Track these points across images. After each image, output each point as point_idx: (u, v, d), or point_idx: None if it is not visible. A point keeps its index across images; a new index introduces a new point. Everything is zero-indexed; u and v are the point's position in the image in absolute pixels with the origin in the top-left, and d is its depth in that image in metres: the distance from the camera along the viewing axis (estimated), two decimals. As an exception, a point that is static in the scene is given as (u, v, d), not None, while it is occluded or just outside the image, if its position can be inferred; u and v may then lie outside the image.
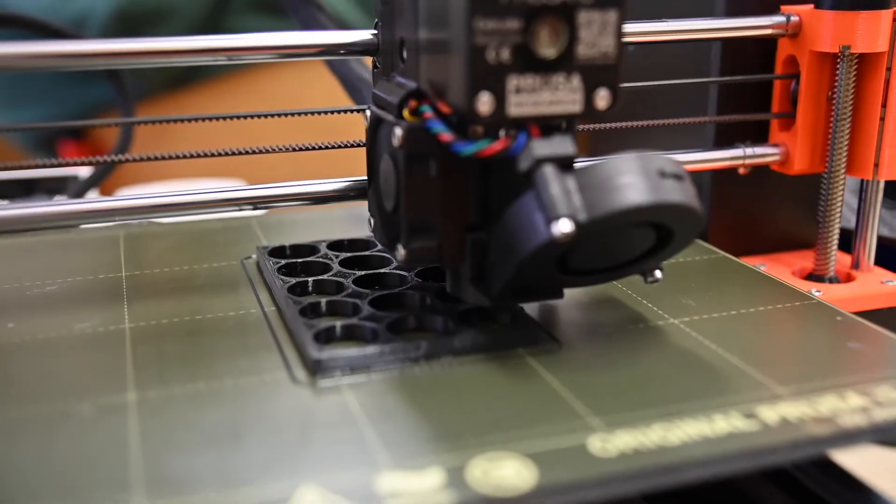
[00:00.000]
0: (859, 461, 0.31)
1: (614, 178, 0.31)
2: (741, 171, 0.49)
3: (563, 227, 0.30)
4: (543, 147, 0.31)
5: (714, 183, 0.50)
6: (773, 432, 0.28)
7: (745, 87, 0.49)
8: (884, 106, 0.46)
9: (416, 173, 0.34)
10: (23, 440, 0.28)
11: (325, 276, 0.40)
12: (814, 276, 0.49)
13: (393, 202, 0.35)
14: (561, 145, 0.32)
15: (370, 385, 0.31)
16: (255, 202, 0.41)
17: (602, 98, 0.32)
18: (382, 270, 0.40)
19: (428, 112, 0.33)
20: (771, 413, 0.29)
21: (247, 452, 0.27)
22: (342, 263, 0.41)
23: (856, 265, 0.49)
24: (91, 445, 0.28)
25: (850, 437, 0.28)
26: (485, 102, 0.30)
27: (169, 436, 0.28)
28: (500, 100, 0.31)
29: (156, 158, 0.39)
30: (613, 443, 0.27)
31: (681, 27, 0.45)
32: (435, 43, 0.32)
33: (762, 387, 0.31)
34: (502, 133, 0.32)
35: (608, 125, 0.47)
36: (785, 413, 0.29)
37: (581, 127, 0.47)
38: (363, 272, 0.40)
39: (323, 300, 0.37)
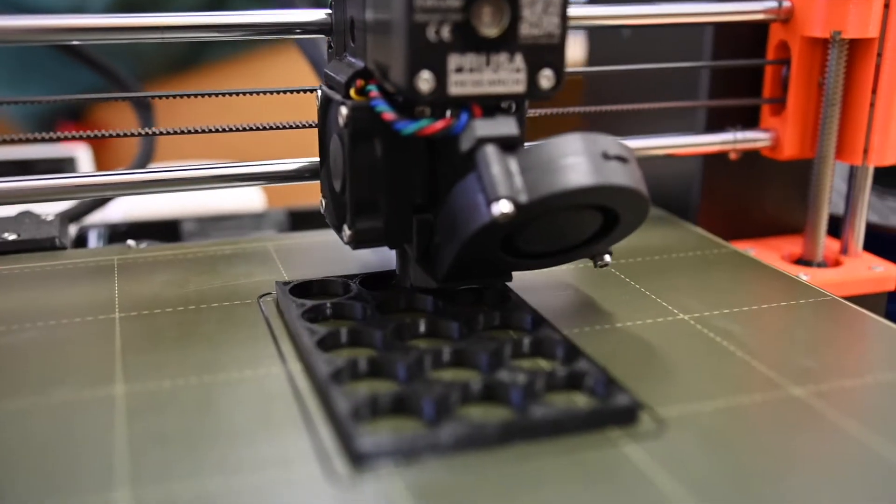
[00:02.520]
0: None
1: (557, 159, 0.30)
2: (732, 156, 0.49)
3: (503, 207, 0.29)
4: (485, 127, 0.31)
5: (705, 168, 0.50)
6: None
7: (736, 73, 0.49)
8: (874, 92, 0.46)
9: (361, 152, 0.33)
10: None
11: (361, 325, 0.33)
12: (802, 261, 0.49)
13: (340, 182, 0.34)
14: (504, 125, 0.31)
15: (429, 483, 0.25)
16: (209, 181, 0.40)
17: (546, 78, 0.31)
18: (436, 318, 0.34)
19: (373, 91, 0.32)
20: None
21: None
22: (380, 307, 0.35)
23: (844, 250, 0.49)
24: None
25: None
26: (425, 81, 0.30)
27: None
28: (440, 79, 0.30)
29: (131, 135, 0.39)
30: None
31: (674, 10, 0.45)
32: (379, 23, 0.32)
33: None
34: (449, 114, 0.32)
35: (598, 108, 0.47)
36: None
37: (573, 110, 0.47)
38: (411, 319, 0.34)
39: (362, 358, 0.31)
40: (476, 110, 0.31)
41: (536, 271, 0.37)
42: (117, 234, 0.55)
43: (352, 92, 0.33)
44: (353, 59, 0.35)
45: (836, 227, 0.50)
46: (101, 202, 0.52)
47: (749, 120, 0.49)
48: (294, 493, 0.25)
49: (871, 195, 0.57)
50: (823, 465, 0.26)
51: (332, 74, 0.35)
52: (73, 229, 0.51)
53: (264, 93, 0.40)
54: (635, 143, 0.47)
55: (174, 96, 0.40)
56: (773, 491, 0.25)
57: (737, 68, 0.49)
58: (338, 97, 0.34)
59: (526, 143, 0.32)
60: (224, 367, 0.32)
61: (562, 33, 0.31)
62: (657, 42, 0.52)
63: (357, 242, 0.34)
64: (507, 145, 0.31)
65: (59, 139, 0.39)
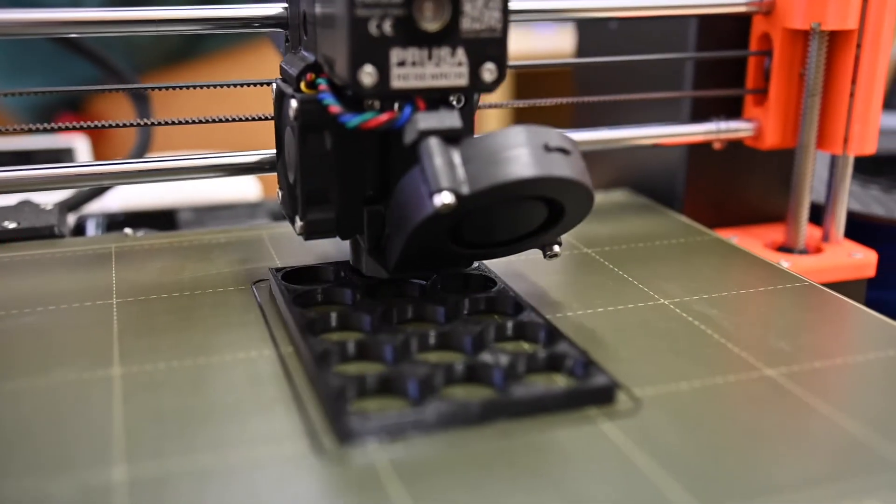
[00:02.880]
0: None
1: (500, 151, 0.31)
2: (716, 145, 0.50)
3: (445, 198, 0.29)
4: (428, 120, 0.31)
5: (690, 157, 0.51)
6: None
7: (720, 64, 0.50)
8: (853, 83, 0.47)
9: (311, 145, 0.34)
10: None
11: (350, 310, 0.35)
12: (785, 248, 0.50)
13: (293, 174, 0.35)
14: (447, 118, 0.31)
15: (414, 459, 0.26)
16: (166, 174, 0.41)
17: (489, 72, 0.32)
18: (423, 302, 0.35)
19: (322, 85, 0.33)
20: None
21: None
22: (369, 291, 0.36)
23: (826, 238, 0.50)
24: None
25: None
26: (368, 74, 0.30)
27: None
28: (383, 72, 0.31)
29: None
30: None
31: (659, 3, 0.46)
32: (326, 17, 0.32)
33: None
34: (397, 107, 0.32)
35: (586, 98, 0.48)
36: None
37: (561, 100, 0.48)
38: (398, 304, 0.35)
39: (351, 341, 0.32)
40: (420, 103, 0.32)
41: (523, 258, 0.38)
42: (115, 223, 0.56)
43: (302, 85, 0.34)
44: (305, 53, 0.36)
45: (819, 215, 0.51)
46: (99, 192, 0.53)
47: (733, 110, 0.50)
48: (284, 468, 0.26)
49: (854, 184, 0.58)
50: (790, 438, 0.28)
51: (285, 68, 0.36)
52: (71, 219, 0.52)
53: (258, 84, 0.41)
54: (622, 132, 0.48)
55: (170, 87, 0.41)
56: (742, 463, 0.26)
57: (720, 60, 0.50)
58: (289, 90, 0.34)
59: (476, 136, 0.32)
60: (218, 350, 0.33)
61: (503, 27, 0.32)
62: (644, 34, 0.53)
63: (308, 233, 0.35)
64: (451, 138, 0.31)
65: (58, 129, 0.40)
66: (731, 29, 0.50)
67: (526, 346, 0.33)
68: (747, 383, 0.31)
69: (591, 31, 0.59)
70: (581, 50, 0.60)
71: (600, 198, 0.54)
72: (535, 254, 0.42)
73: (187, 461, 0.26)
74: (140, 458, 0.26)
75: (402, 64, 0.31)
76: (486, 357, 0.31)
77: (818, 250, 0.50)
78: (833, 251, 0.49)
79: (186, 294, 0.38)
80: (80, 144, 0.70)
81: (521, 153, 0.31)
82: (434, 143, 0.31)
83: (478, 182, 0.30)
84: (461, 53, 0.31)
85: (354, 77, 0.30)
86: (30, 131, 0.39)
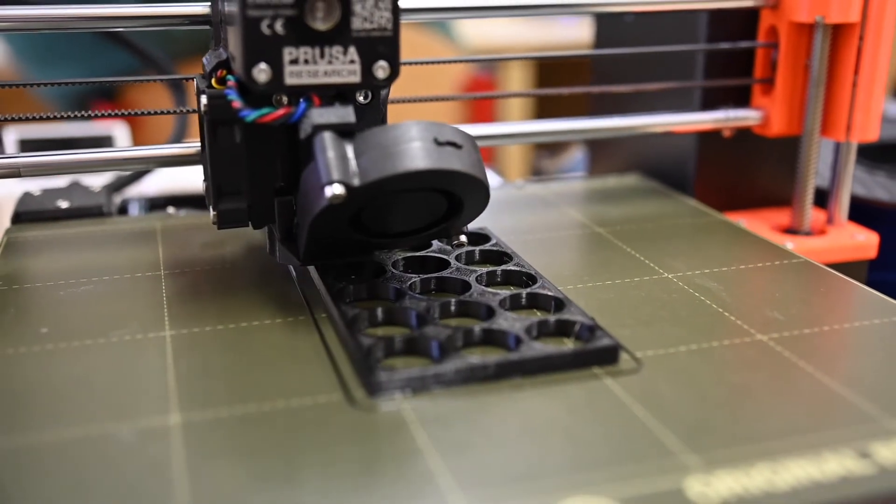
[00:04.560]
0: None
1: (392, 145, 0.32)
2: (726, 133, 0.53)
3: (336, 189, 0.31)
4: (322, 115, 0.33)
5: (700, 144, 0.54)
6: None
7: (729, 55, 0.53)
8: (856, 73, 0.49)
9: (221, 138, 0.36)
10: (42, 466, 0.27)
11: (378, 282, 0.37)
12: (791, 231, 0.53)
13: (205, 166, 0.37)
14: (341, 113, 0.33)
15: (435, 409, 0.30)
16: (97, 165, 0.42)
17: (381, 69, 0.34)
18: (444, 274, 0.38)
19: (231, 81, 0.35)
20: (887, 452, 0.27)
21: (303, 491, 0.26)
22: (394, 265, 0.39)
23: (830, 221, 0.53)
24: (134, 477, 0.26)
25: None
26: (262, 71, 0.32)
27: (217, 469, 0.26)
28: (276, 70, 0.32)
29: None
30: (715, 487, 0.25)
31: (672, -1, 0.49)
32: (230, 16, 0.34)
33: (872, 418, 0.29)
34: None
35: (600, 88, 0.51)
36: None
37: (575, 90, 0.51)
38: (421, 276, 0.38)
39: (379, 308, 0.35)
40: (315, 100, 0.34)
41: (538, 237, 0.41)
42: (155, 205, 0.59)
43: (213, 81, 0.36)
44: (222, 51, 0.37)
45: (825, 199, 0.54)
46: (140, 175, 0.57)
47: (741, 100, 0.53)
48: (319, 415, 0.29)
49: (860, 170, 0.61)
50: (776, 394, 0.31)
51: (204, 64, 0.38)
52: (116, 199, 0.56)
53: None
54: (636, 120, 0.51)
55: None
56: (731, 416, 0.29)
57: (730, 51, 0.53)
58: (203, 86, 0.36)
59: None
60: (257, 315, 0.36)
61: (394, 27, 0.33)
62: (658, 26, 0.56)
63: (222, 223, 0.37)
64: (344, 132, 0.33)
65: (98, 117, 0.43)
66: (740, 22, 0.53)
67: (539, 313, 0.36)
68: (740, 346, 0.34)
69: (608, 23, 0.62)
70: (599, 41, 0.63)
71: (612, 181, 0.57)
72: (549, 232, 0.46)
73: (233, 409, 0.30)
74: (191, 406, 0.30)
75: (294, 62, 0.33)
76: (501, 322, 0.34)
77: (822, 232, 0.53)
78: (836, 233, 0.52)
79: (228, 267, 0.41)
80: (119, 132, 0.74)
81: (412, 147, 0.32)
82: (327, 136, 0.33)
83: (368, 174, 0.32)
84: (353, 52, 0.33)
85: (249, 74, 0.32)
86: (72, 118, 0.42)
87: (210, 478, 0.26)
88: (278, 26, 0.32)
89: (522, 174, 1.77)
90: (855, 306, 0.38)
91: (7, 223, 0.48)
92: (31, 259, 0.43)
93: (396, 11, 0.33)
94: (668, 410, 0.29)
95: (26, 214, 0.48)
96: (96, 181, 0.53)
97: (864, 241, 0.51)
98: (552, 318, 0.34)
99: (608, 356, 0.32)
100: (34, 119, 0.42)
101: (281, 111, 0.34)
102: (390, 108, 0.45)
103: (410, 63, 0.42)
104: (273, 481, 0.26)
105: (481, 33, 1.76)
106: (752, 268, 0.42)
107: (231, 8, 0.34)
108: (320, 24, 0.32)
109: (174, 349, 0.34)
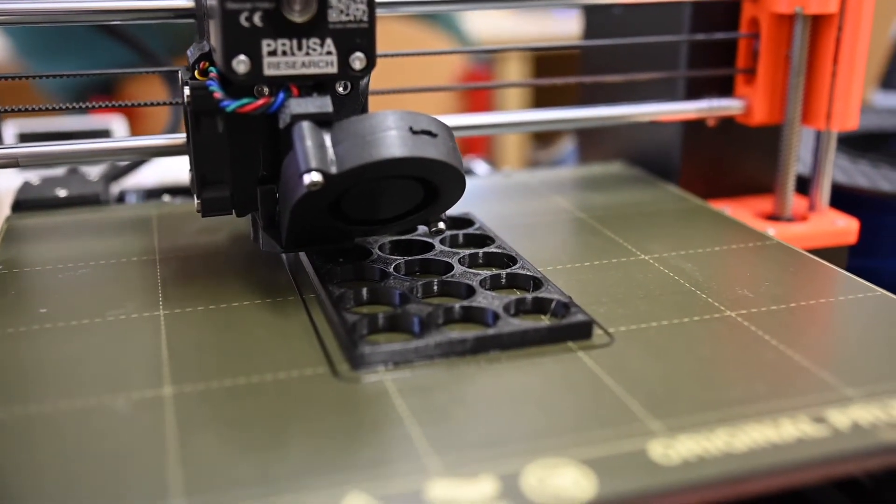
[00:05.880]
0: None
1: (368, 134, 0.34)
2: (710, 122, 0.55)
3: (314, 177, 0.33)
4: (301, 105, 0.34)
5: (685, 133, 0.56)
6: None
7: (713, 46, 0.55)
8: (835, 63, 0.51)
9: (204, 129, 0.37)
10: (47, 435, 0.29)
11: (364, 263, 0.39)
12: (773, 217, 0.55)
13: (189, 155, 0.39)
14: (319, 103, 0.35)
15: (415, 380, 0.31)
16: (92, 155, 0.44)
17: (358, 60, 0.35)
18: (427, 256, 0.40)
19: (213, 73, 0.36)
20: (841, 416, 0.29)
21: (288, 454, 0.27)
22: (384, 248, 0.41)
23: (812, 207, 0.55)
24: (128, 445, 0.28)
25: None
26: (241, 63, 0.34)
27: (208, 436, 0.28)
28: (255, 61, 0.34)
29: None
30: (676, 449, 0.27)
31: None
32: (211, 9, 0.36)
33: (830, 387, 0.31)
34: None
35: (587, 79, 0.53)
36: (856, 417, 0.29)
37: (558, 81, 0.53)
38: (405, 258, 0.40)
39: (364, 288, 0.37)
40: (294, 90, 0.35)
41: (522, 221, 0.43)
42: (153, 195, 0.61)
43: (196, 73, 0.37)
44: (205, 43, 0.39)
45: (807, 186, 0.56)
46: (136, 165, 0.59)
47: (725, 89, 0.55)
48: (305, 387, 0.31)
49: (844, 159, 0.63)
50: (741, 365, 0.33)
51: (188, 56, 0.39)
52: (114, 189, 0.58)
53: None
54: (622, 110, 0.53)
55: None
56: (695, 385, 0.31)
57: (713, 42, 0.55)
58: (186, 77, 0.38)
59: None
60: (248, 296, 0.38)
61: (370, 19, 0.35)
62: (644, 18, 0.58)
63: (205, 211, 0.38)
64: (322, 122, 0.34)
65: (91, 109, 0.45)
66: (723, 13, 0.55)
67: (518, 293, 0.38)
68: (709, 322, 0.36)
69: (597, 16, 0.64)
70: (588, 33, 0.65)
71: (597, 169, 0.59)
72: (533, 217, 0.48)
73: (223, 381, 0.32)
74: (184, 380, 0.32)
75: (273, 53, 0.34)
76: (480, 300, 0.36)
77: (804, 219, 0.54)
78: (817, 219, 0.54)
79: (222, 252, 0.43)
80: (117, 125, 0.76)
81: (388, 135, 0.34)
82: (306, 126, 0.34)
83: (345, 162, 0.33)
84: (330, 43, 0.35)
85: (229, 65, 0.34)
86: (67, 110, 0.44)
87: (200, 444, 0.28)
88: (256, 19, 0.34)
89: (519, 165, 1.79)
90: (821, 284, 0.40)
91: (7, 213, 0.50)
92: (30, 244, 0.45)
93: (372, 4, 0.35)
94: (636, 381, 0.31)
95: (26, 202, 0.50)
96: (93, 171, 0.55)
97: (844, 227, 0.53)
98: (530, 296, 0.36)
99: (582, 331, 0.34)
100: (29, 111, 0.44)
101: (260, 101, 0.35)
102: (387, 99, 0.47)
103: (391, 55, 0.43)
104: (260, 446, 0.28)
105: (484, 27, 1.78)
106: (725, 249, 0.44)
107: (212, 1, 0.35)
108: (297, 17, 0.34)
109: (167, 327, 0.36)
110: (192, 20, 0.42)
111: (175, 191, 0.62)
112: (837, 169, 0.61)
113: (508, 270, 0.39)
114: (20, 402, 0.30)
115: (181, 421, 0.29)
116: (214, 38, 0.35)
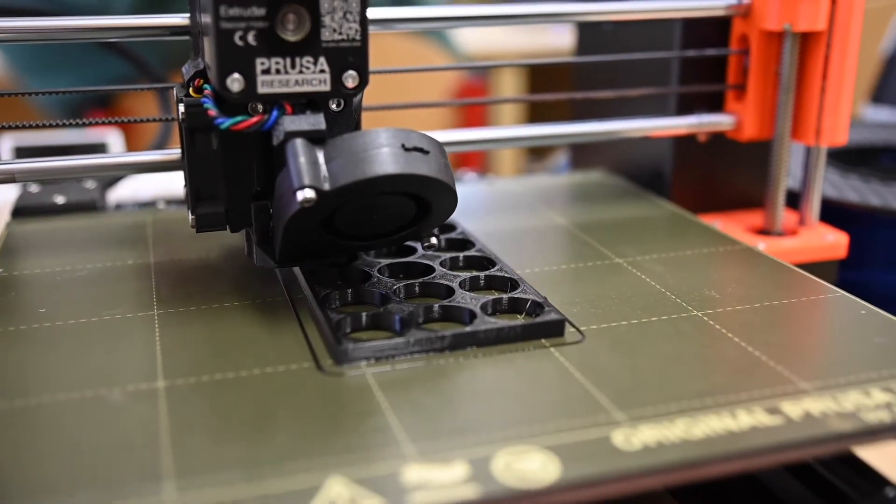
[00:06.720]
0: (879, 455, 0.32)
1: (361, 151, 0.35)
2: (701, 138, 0.58)
3: (307, 194, 0.35)
4: (294, 122, 0.37)
5: (676, 148, 0.60)
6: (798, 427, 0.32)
7: (703, 62, 0.59)
8: (824, 79, 0.55)
9: (198, 145, 0.39)
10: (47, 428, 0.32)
11: (351, 265, 0.43)
12: (763, 231, 0.58)
13: (184, 172, 0.41)
14: (312, 121, 0.37)
15: (395, 375, 0.35)
16: (88, 171, 0.46)
17: (351, 78, 0.37)
18: (410, 259, 0.44)
19: (207, 90, 0.38)
20: (794, 407, 0.33)
21: (273, 441, 0.31)
22: (368, 252, 0.44)
23: (801, 222, 0.59)
24: (123, 433, 0.31)
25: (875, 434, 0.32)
26: (235, 81, 0.36)
27: (198, 425, 0.32)
28: (249, 79, 0.36)
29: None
30: (637, 437, 0.31)
31: (647, 7, 0.55)
32: (206, 27, 0.38)
33: (786, 380, 0.35)
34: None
35: (579, 95, 0.57)
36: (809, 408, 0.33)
37: (549, 97, 0.57)
38: (388, 261, 0.43)
39: (349, 289, 0.41)
40: (288, 108, 0.37)
41: (505, 228, 0.47)
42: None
43: (191, 90, 0.39)
44: (200, 60, 0.41)
45: (797, 201, 0.59)
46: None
47: (715, 105, 0.59)
48: (291, 380, 0.35)
49: (835, 173, 0.66)
50: (703, 361, 0.37)
51: (183, 73, 0.42)
52: (112, 197, 0.62)
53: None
54: (613, 125, 0.56)
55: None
56: (660, 379, 0.35)
57: (703, 58, 0.58)
58: (181, 94, 0.40)
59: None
60: (239, 297, 0.42)
61: (362, 38, 0.37)
62: (636, 35, 0.62)
63: (200, 227, 0.41)
64: (315, 139, 0.36)
65: (87, 125, 0.48)
66: (714, 30, 0.58)
67: (495, 293, 0.42)
68: (676, 321, 0.40)
69: (589, 32, 0.68)
70: (580, 49, 0.69)
71: (579, 177, 0.64)
72: (515, 223, 0.53)
73: (214, 375, 0.35)
74: (176, 374, 0.36)
75: (266, 72, 0.36)
76: (459, 300, 0.40)
77: (794, 233, 0.58)
78: (807, 234, 0.57)
79: (214, 255, 0.48)
80: (113, 139, 0.79)
81: (380, 153, 0.36)
82: (299, 143, 0.36)
83: (338, 179, 0.35)
84: (323, 62, 0.37)
85: (223, 83, 0.36)
86: (62, 126, 0.46)
87: (191, 432, 0.32)
88: (251, 38, 0.36)
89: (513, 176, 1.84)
90: (785, 286, 0.44)
91: (7, 220, 0.54)
92: (30, 249, 0.49)
93: (365, 23, 0.37)
94: (604, 376, 0.35)
95: (25, 209, 0.55)
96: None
97: (834, 242, 0.57)
98: (506, 296, 0.40)
99: (555, 329, 0.38)
100: (24, 127, 0.47)
101: (254, 119, 0.37)
102: (382, 114, 0.51)
103: (384, 71, 0.47)
104: (247, 434, 0.31)
105: (477, 41, 1.83)
106: (696, 253, 0.48)
107: (206, 20, 0.38)
108: (291, 36, 0.36)
109: (161, 326, 0.40)
110: (187, 37, 0.44)
111: (170, 202, 0.66)
112: (827, 183, 0.64)
113: (487, 272, 0.43)
114: (21, 395, 0.34)
115: (173, 411, 0.33)
116: (209, 56, 0.38)
